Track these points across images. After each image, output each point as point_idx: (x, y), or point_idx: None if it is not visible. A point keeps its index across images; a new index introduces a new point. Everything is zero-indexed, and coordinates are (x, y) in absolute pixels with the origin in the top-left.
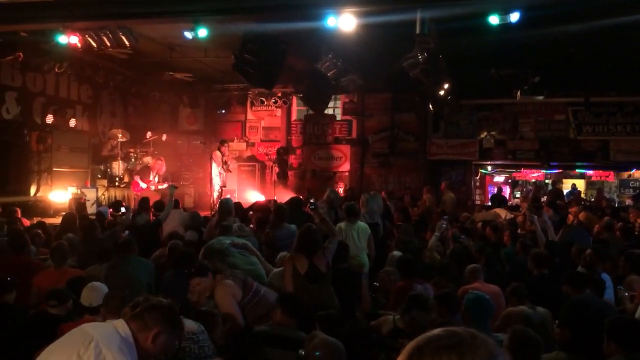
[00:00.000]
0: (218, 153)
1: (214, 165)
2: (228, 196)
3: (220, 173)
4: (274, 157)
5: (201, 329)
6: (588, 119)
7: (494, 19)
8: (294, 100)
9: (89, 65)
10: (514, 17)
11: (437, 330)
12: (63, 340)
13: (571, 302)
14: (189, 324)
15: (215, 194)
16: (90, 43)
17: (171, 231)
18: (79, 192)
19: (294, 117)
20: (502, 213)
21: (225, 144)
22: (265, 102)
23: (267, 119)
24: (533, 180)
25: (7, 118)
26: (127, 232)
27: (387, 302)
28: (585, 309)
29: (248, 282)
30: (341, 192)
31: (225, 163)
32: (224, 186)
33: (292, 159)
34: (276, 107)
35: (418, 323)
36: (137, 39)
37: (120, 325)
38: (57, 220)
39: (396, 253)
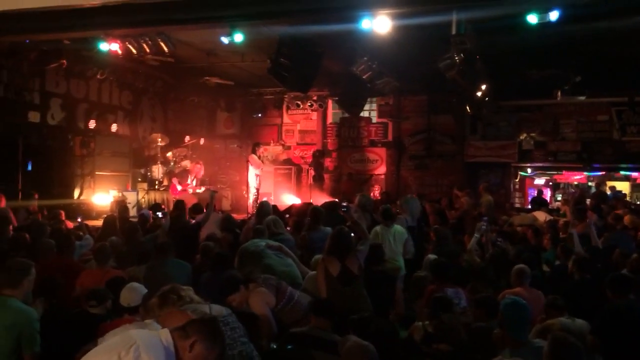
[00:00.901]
0: (254, 156)
1: (250, 168)
2: (265, 199)
3: (256, 175)
4: (310, 160)
5: (229, 312)
6: (633, 119)
7: (532, 18)
8: (330, 103)
9: (129, 71)
10: (554, 15)
11: None
12: (108, 341)
13: (607, 308)
14: (217, 308)
15: (252, 197)
16: (130, 50)
17: (208, 233)
18: (120, 195)
19: (329, 120)
20: (541, 216)
21: (259, 147)
22: (301, 106)
23: (302, 122)
24: (575, 182)
25: (52, 124)
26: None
27: (417, 305)
28: (622, 316)
29: (282, 287)
30: (377, 195)
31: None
32: (258, 189)
33: (328, 162)
34: (312, 110)
35: (448, 326)
36: (175, 45)
37: (163, 334)
38: (99, 222)
39: (431, 256)
